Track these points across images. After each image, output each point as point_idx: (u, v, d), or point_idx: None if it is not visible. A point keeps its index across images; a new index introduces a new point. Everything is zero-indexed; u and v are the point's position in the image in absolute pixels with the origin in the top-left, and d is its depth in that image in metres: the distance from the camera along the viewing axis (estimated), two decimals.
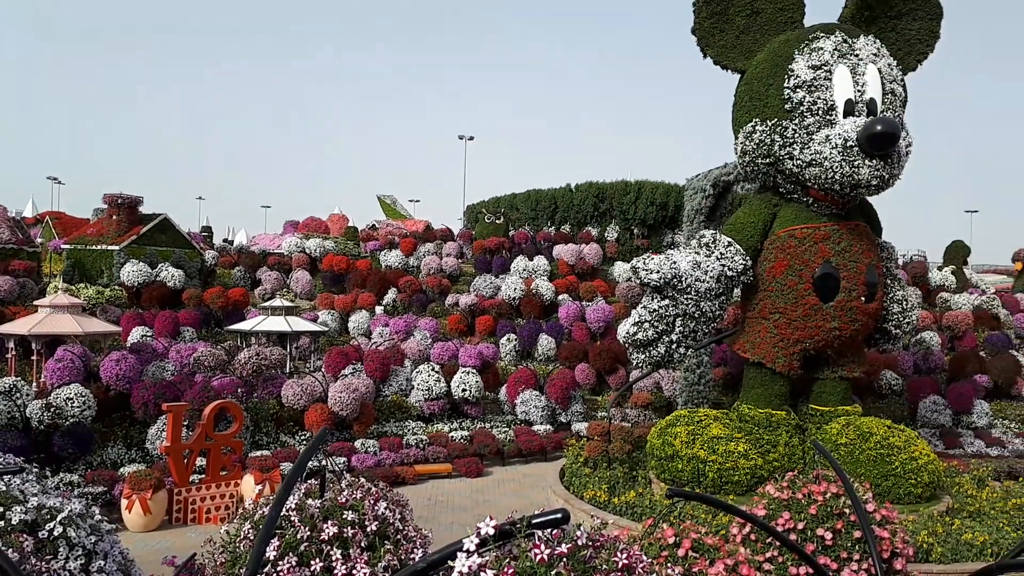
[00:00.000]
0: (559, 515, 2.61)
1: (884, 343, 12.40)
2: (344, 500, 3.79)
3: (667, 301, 10.44)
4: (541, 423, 16.89)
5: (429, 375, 16.84)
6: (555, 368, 18.95)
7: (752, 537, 5.30)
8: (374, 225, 32.96)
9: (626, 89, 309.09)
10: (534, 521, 2.62)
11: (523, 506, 12.03)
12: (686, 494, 3.60)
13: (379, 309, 22.28)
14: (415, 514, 4.39)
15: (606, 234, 26.94)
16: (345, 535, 3.69)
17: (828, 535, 5.37)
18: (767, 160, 10.55)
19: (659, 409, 17.03)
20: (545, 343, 20.07)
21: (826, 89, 10.12)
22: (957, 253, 26.68)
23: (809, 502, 5.56)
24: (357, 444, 14.46)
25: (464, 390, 16.69)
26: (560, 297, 22.68)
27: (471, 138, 55.69)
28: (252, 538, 3.90)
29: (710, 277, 10.45)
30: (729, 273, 10.59)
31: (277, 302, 19.05)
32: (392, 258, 25.49)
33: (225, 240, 42.41)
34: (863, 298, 10.68)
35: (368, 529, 3.71)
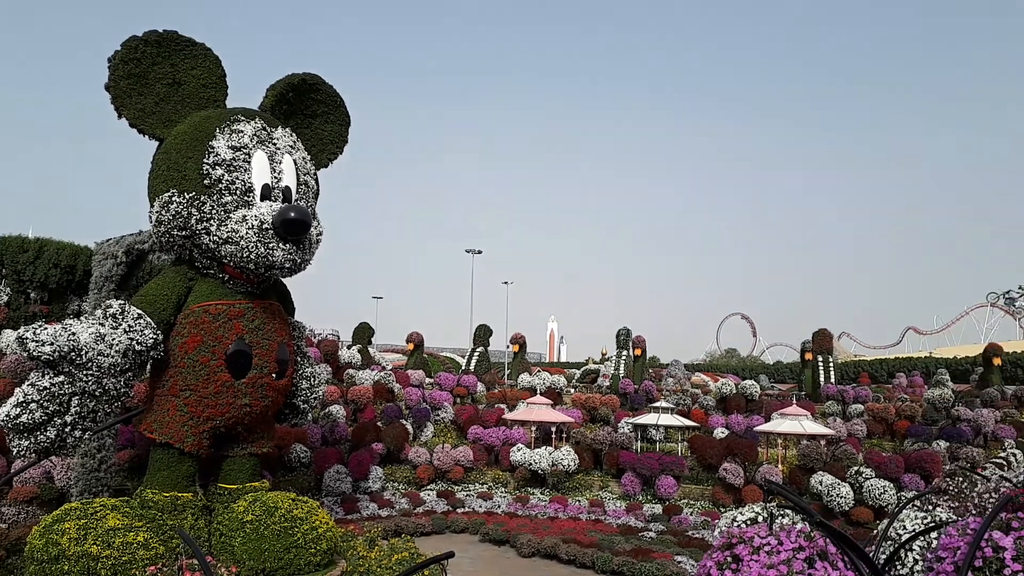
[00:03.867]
0: None
1: (293, 418, 13.08)
2: None
3: (62, 377, 9.21)
4: None
5: None
6: None
7: None
8: None
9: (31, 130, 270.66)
10: None
11: None
12: None
13: None
14: None
15: None
16: None
17: None
18: (183, 232, 10.32)
19: (48, 503, 14.65)
20: None
21: (244, 171, 10.46)
22: (364, 333, 30.14)
23: None
24: None
25: None
26: None
27: None
28: None
29: (116, 351, 9.59)
30: (138, 347, 9.89)
31: None
32: None
33: None
34: (274, 375, 11.11)
35: None
